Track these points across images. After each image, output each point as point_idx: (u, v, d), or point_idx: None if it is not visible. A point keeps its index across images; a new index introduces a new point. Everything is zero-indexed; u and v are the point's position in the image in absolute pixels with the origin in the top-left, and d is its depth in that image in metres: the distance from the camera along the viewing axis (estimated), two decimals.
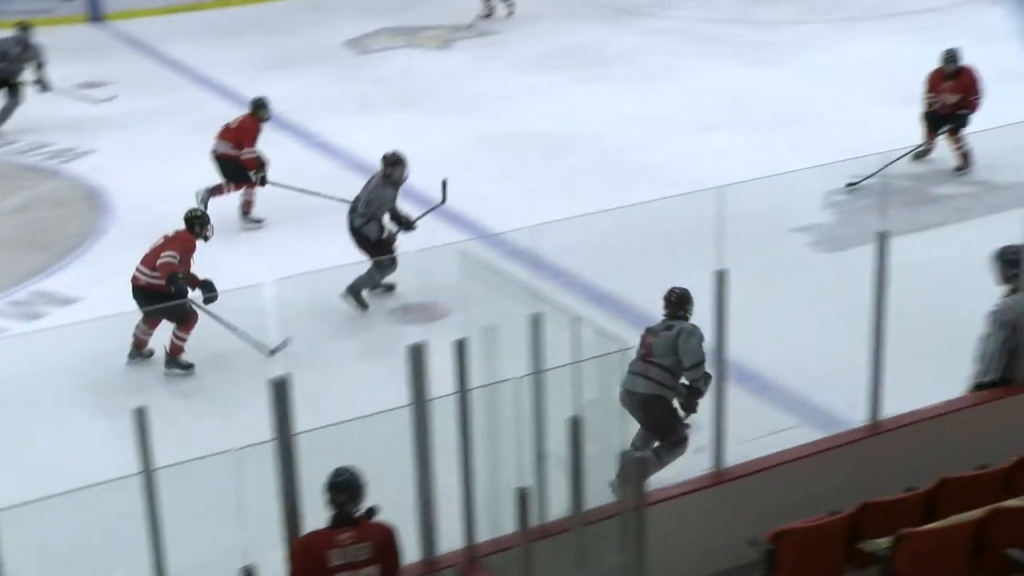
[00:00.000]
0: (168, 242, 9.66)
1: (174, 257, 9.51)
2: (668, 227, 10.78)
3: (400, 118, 15.59)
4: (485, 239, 11.08)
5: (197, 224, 9.85)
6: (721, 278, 6.61)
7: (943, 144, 12.95)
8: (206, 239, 9.89)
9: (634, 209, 9.36)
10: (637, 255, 10.62)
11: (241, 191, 12.42)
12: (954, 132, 12.84)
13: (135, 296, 9.57)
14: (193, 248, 9.74)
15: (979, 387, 7.46)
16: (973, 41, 17.33)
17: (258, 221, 12.48)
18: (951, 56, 13.02)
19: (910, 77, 16.14)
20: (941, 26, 18.34)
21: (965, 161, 12.85)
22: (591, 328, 6.10)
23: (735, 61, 17.74)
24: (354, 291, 10.37)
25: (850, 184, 11.95)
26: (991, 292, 7.64)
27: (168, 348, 9.60)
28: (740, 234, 6.79)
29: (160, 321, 9.57)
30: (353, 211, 10.58)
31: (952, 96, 12.88)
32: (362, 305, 10.42)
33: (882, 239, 7.09)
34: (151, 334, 9.72)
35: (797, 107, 15.48)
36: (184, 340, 9.55)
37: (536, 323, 5.98)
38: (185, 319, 9.46)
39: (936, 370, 7.97)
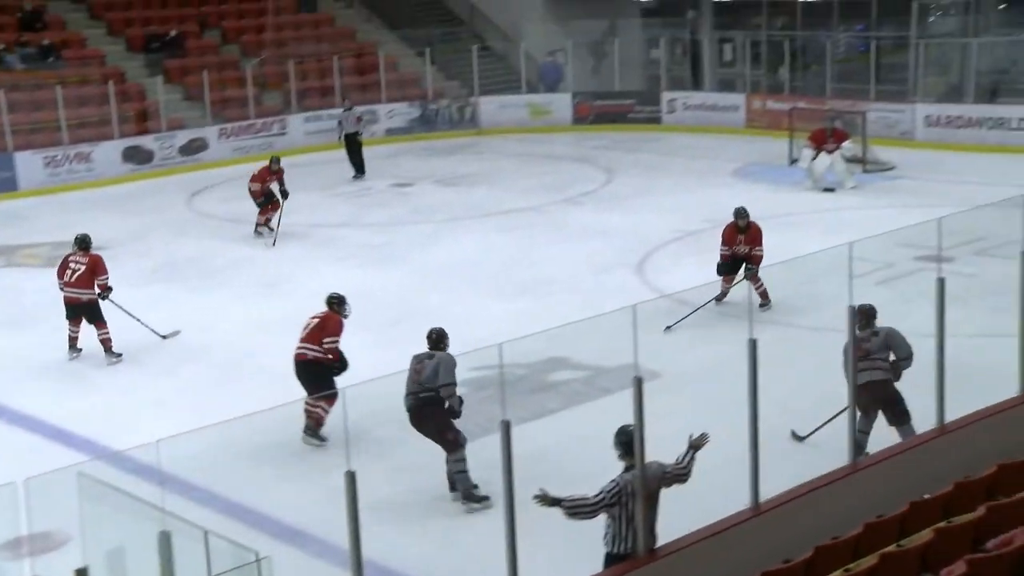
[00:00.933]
0: (325, 324, 11.63)
1: (337, 340, 11.54)
2: (295, 433, 10.64)
3: (10, 341, 14.78)
4: (106, 458, 10.49)
5: (336, 305, 11.91)
6: (351, 478, 6.52)
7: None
8: (346, 317, 11.87)
9: (262, 416, 9.16)
10: (270, 462, 10.36)
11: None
12: (753, 275, 14.31)
13: (299, 369, 11.45)
14: (342, 327, 11.69)
15: (611, 557, 7.70)
16: (560, 236, 18.59)
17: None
18: (742, 213, 14.87)
19: (513, 271, 17.03)
20: (534, 224, 19.53)
21: (766, 298, 14.45)
22: (224, 540, 5.85)
23: (350, 263, 18.04)
24: None
25: (668, 327, 13.74)
26: (614, 470, 7.95)
27: (313, 419, 11.14)
28: (366, 436, 6.77)
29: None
30: None
31: (745, 247, 14.71)
32: None
33: (506, 428, 7.24)
34: (317, 409, 11.16)
35: (411, 305, 15.83)
36: (328, 413, 11.13)
37: (165, 541, 5.66)
38: (335, 397, 10.79)
39: (570, 547, 8.16)
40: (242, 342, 14.61)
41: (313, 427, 11.15)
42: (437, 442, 10.18)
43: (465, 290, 16.42)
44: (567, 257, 17.62)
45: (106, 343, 13.97)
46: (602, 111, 29.30)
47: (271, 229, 19.61)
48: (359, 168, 24.72)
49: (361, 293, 16.32)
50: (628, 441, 7.89)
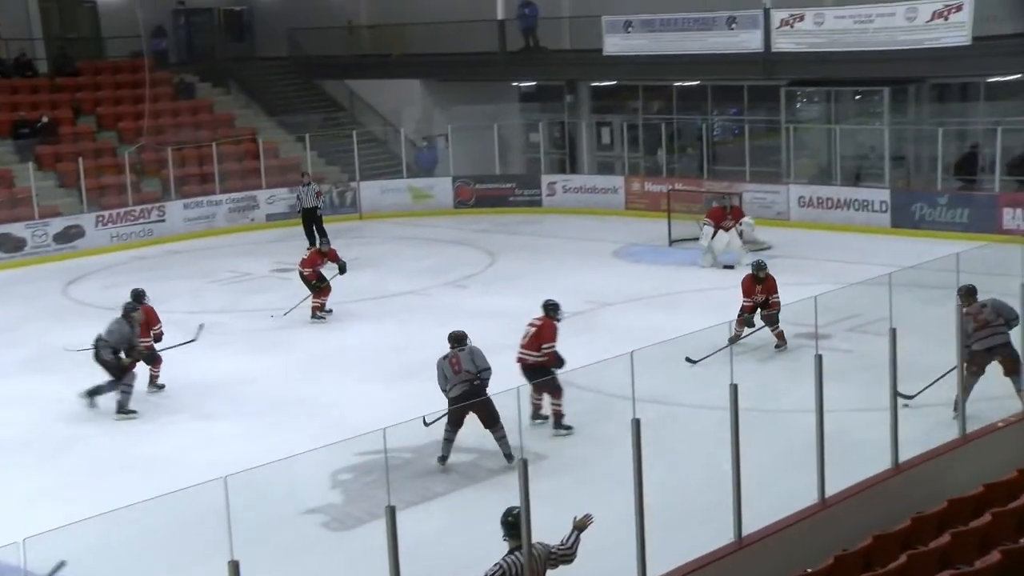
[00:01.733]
0: (541, 331, 13.45)
1: (553, 345, 13.44)
2: (175, 523, 10.35)
3: None
4: None
5: (551, 310, 13.77)
6: (235, 568, 6.37)
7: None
8: (559, 320, 13.74)
9: (136, 508, 8.90)
10: (146, 555, 10.07)
11: None
12: (773, 320, 16.19)
13: (525, 373, 13.33)
14: (556, 332, 13.53)
15: None
16: (444, 319, 18.57)
17: None
18: (761, 266, 16.75)
19: (398, 355, 16.95)
20: (418, 308, 19.52)
21: (782, 339, 16.15)
22: None
23: (229, 349, 17.77)
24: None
25: (690, 360, 14.59)
26: (501, 551, 7.90)
27: (553, 414, 13.32)
28: (252, 523, 6.63)
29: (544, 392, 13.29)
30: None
31: (762, 296, 16.42)
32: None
33: (391, 513, 7.16)
34: (541, 400, 13.47)
35: (295, 390, 15.66)
36: (561, 406, 13.33)
37: None
38: (561, 390, 13.24)
39: None
40: (119, 434, 14.25)
41: (556, 420, 13.32)
42: (485, 419, 12.22)
43: (350, 375, 16.29)
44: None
45: (154, 378, 15.86)
46: (483, 195, 29.54)
47: (328, 311, 19.41)
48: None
49: (242, 380, 16.16)
50: (514, 522, 7.88)
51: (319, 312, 19.30)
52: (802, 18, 25.97)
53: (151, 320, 15.97)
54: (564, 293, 19.76)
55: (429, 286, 21.35)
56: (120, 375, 14.88)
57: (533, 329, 13.53)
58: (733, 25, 26.91)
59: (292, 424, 14.07)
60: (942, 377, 11.95)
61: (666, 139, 29.40)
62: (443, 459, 12.54)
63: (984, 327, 12.32)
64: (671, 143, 29.89)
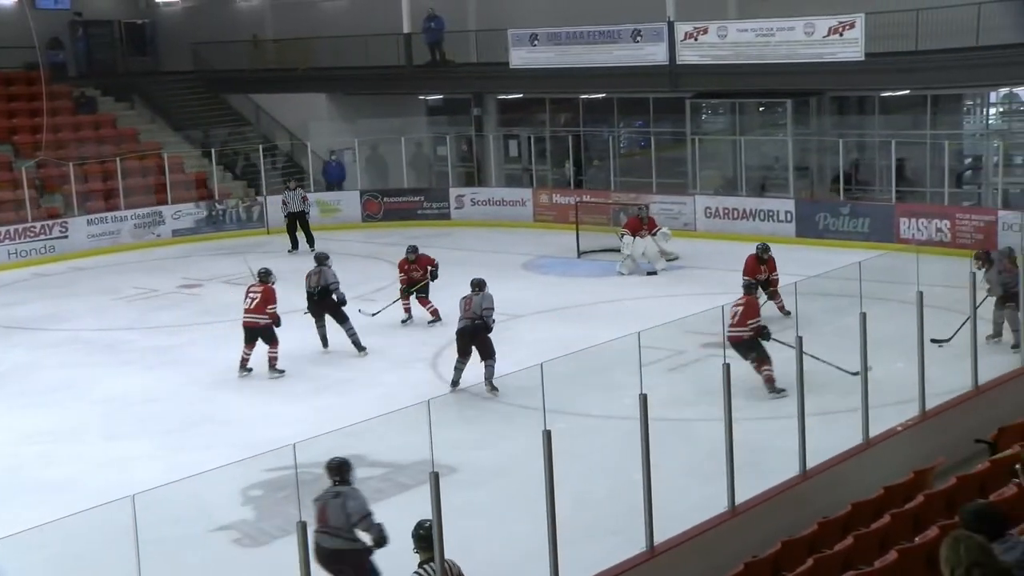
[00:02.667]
0: (749, 309, 14.40)
1: (759, 319, 14.47)
2: (82, 545, 10.18)
3: None
4: None
5: (751, 288, 15.23)
6: None
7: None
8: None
9: (39, 531, 8.73)
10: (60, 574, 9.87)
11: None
12: (775, 293, 17.87)
13: (738, 349, 13.96)
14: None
15: None
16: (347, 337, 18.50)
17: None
18: (765, 248, 18.38)
19: (310, 369, 16.83)
20: (328, 322, 19.35)
21: (784, 310, 17.64)
22: None
23: (136, 367, 17.52)
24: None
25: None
26: (413, 564, 7.89)
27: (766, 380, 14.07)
28: (160, 542, 6.54)
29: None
30: None
31: (764, 275, 17.86)
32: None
33: (303, 529, 7.13)
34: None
35: (203, 407, 15.47)
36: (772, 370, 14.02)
37: None
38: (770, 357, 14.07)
39: None
40: (14, 453, 13.94)
41: (770, 385, 13.96)
42: (481, 351, 14.97)
43: (260, 390, 16.13)
44: (364, 353, 17.52)
45: (272, 360, 16.62)
46: (391, 208, 29.46)
47: (432, 317, 18.93)
48: (311, 242, 25.89)
49: (149, 398, 15.94)
50: (426, 536, 7.89)
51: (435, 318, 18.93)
52: (706, 31, 26.35)
53: (269, 298, 16.70)
54: None
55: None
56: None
57: (740, 308, 14.49)
58: (638, 38, 27.20)
59: (200, 442, 13.89)
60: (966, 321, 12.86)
61: (573, 151, 29.59)
62: (454, 383, 15.09)
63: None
64: (578, 155, 30.09)
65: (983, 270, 15.61)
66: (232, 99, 34.15)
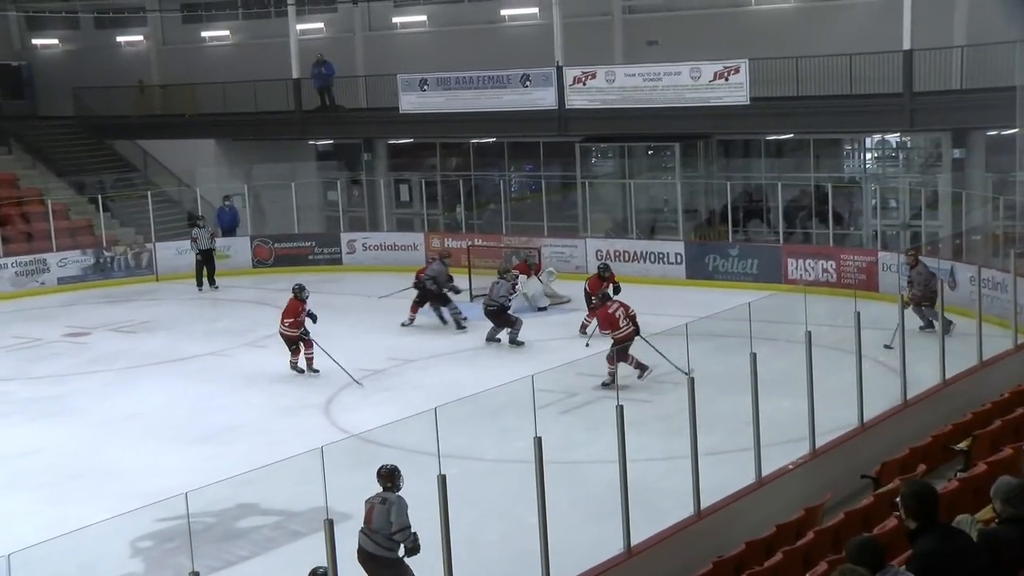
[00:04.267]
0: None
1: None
2: None
3: None
4: None
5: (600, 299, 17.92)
6: None
7: None
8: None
9: None
10: None
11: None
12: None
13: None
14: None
15: None
16: (244, 381, 18.30)
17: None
18: (606, 267, 21.04)
19: (198, 417, 16.54)
20: (216, 369, 19.12)
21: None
22: None
23: (15, 419, 17.04)
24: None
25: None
26: None
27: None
28: None
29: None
30: None
31: (607, 286, 19.79)
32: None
33: None
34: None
35: (88, 458, 15.08)
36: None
37: None
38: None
39: None
40: None
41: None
42: (502, 324, 19.63)
43: (148, 440, 15.78)
44: (252, 401, 17.31)
45: (308, 361, 18.30)
46: (282, 253, 29.20)
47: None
48: (212, 281, 26.68)
49: (30, 450, 15.48)
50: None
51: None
52: (594, 75, 26.70)
53: (287, 312, 18.26)
54: (366, 351, 19.76)
55: (227, 347, 20.92)
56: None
57: (620, 311, 17.15)
58: (527, 83, 27.46)
59: (84, 495, 13.52)
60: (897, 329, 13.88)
61: (464, 195, 29.68)
62: (490, 338, 19.69)
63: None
64: (469, 199, 30.18)
65: (910, 268, 18.49)
66: (118, 145, 33.61)
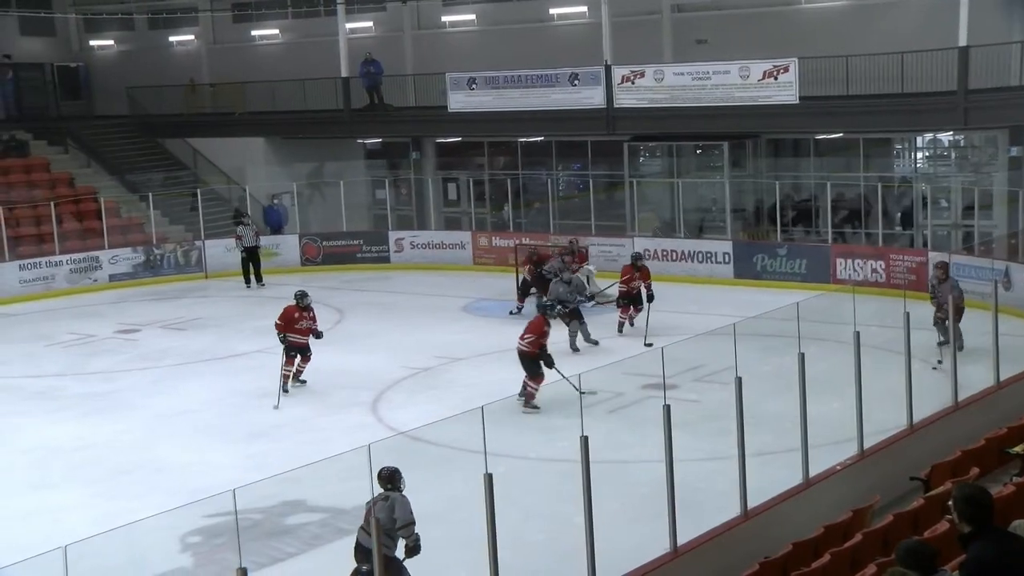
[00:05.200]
0: (530, 326, 16.41)
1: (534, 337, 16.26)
2: None
3: None
4: None
5: (548, 310, 17.38)
6: None
7: None
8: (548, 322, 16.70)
9: None
10: None
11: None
12: (641, 306, 20.21)
13: (520, 358, 16.28)
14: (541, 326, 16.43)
15: None
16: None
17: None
18: (638, 256, 21.07)
19: (246, 415, 16.65)
20: (265, 367, 19.17)
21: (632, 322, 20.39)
22: None
23: (67, 414, 17.23)
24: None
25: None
26: None
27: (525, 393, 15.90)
28: None
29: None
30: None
31: (639, 282, 20.32)
32: None
33: (244, 574, 7.04)
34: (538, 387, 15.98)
35: (138, 454, 15.23)
36: (536, 389, 15.87)
37: None
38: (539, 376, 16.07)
39: None
40: None
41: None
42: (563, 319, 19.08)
43: (197, 436, 15.92)
44: (301, 398, 17.40)
45: (298, 372, 17.77)
46: (330, 252, 29.35)
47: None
48: (259, 278, 26.84)
49: (83, 445, 15.66)
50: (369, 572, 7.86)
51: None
52: (643, 75, 26.61)
53: (289, 317, 17.67)
54: (413, 349, 19.82)
55: (276, 345, 20.97)
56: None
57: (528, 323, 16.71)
58: (575, 82, 27.41)
59: (135, 490, 13.67)
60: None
61: (512, 194, 29.68)
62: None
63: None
64: (517, 198, 30.19)
65: (939, 282, 17.55)
66: (168, 143, 33.92)
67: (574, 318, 19.45)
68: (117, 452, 15.35)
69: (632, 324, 20.64)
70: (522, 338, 16.41)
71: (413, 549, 9.61)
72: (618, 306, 20.71)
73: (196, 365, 19.72)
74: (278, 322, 17.80)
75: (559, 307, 18.88)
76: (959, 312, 16.19)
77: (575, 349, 19.22)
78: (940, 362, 16.18)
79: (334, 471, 11.96)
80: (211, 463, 14.43)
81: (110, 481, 14.15)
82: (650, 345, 18.81)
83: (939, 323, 17.41)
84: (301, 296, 17.95)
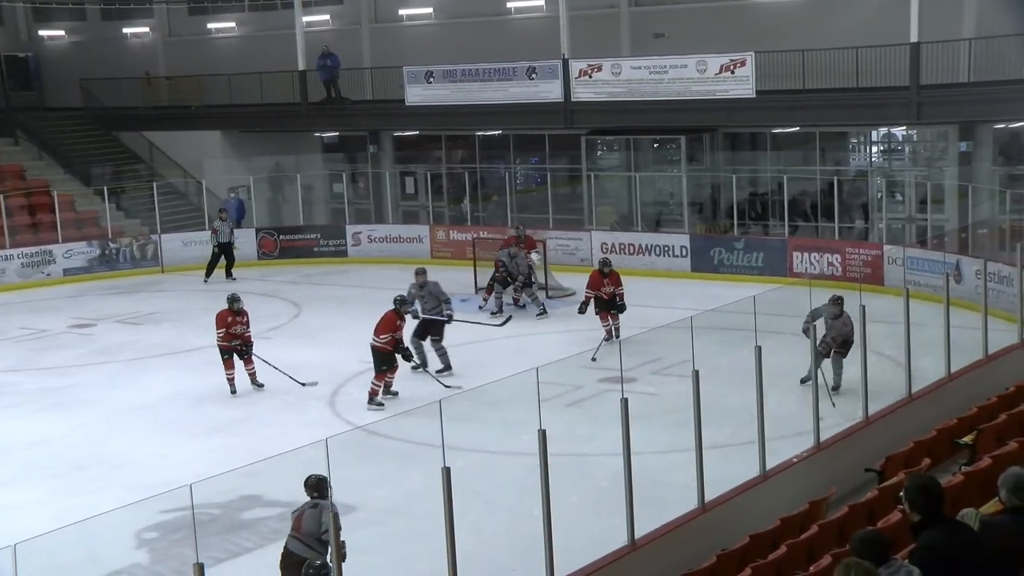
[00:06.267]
0: (383, 323, 16.25)
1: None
2: None
3: None
4: None
5: (398, 304, 16.51)
6: None
7: None
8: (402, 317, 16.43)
9: None
10: None
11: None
12: (617, 313, 19.01)
13: (373, 354, 16.24)
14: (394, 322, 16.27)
15: None
16: (242, 376, 18.27)
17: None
18: (605, 262, 19.62)
19: (203, 409, 16.57)
20: (219, 360, 19.07)
21: (612, 334, 18.87)
22: None
23: (21, 410, 17.08)
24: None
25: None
26: None
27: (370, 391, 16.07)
28: None
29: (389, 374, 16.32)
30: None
31: (610, 287, 19.08)
32: None
33: (200, 570, 7.00)
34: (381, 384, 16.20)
35: (94, 449, 15.12)
36: (379, 386, 16.16)
37: None
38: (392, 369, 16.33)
39: None
40: None
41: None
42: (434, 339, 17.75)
43: (154, 431, 15.82)
44: (258, 393, 17.32)
45: (252, 376, 17.41)
46: (288, 245, 29.21)
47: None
48: (229, 273, 26.74)
49: (37, 441, 15.52)
50: (315, 575, 7.87)
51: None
52: (600, 68, 26.67)
53: (223, 321, 17.23)
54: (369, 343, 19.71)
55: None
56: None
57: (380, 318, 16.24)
58: (533, 75, 27.44)
59: (90, 486, 13.57)
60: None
61: (470, 188, 29.68)
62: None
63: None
64: (475, 192, 30.18)
65: (833, 318, 15.15)
66: (124, 136, 33.64)
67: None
68: (74, 448, 15.24)
69: (617, 333, 18.90)
70: (377, 336, 16.28)
71: (342, 556, 8.75)
72: (596, 314, 19.17)
73: (153, 360, 19.58)
74: (220, 332, 17.21)
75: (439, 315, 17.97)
76: (846, 346, 15.01)
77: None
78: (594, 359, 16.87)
79: (292, 466, 11.93)
80: (169, 458, 14.35)
81: (65, 477, 14.05)
82: (594, 360, 17.18)
83: (834, 357, 15.26)
84: (232, 300, 17.43)
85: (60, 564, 9.72)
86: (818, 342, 14.02)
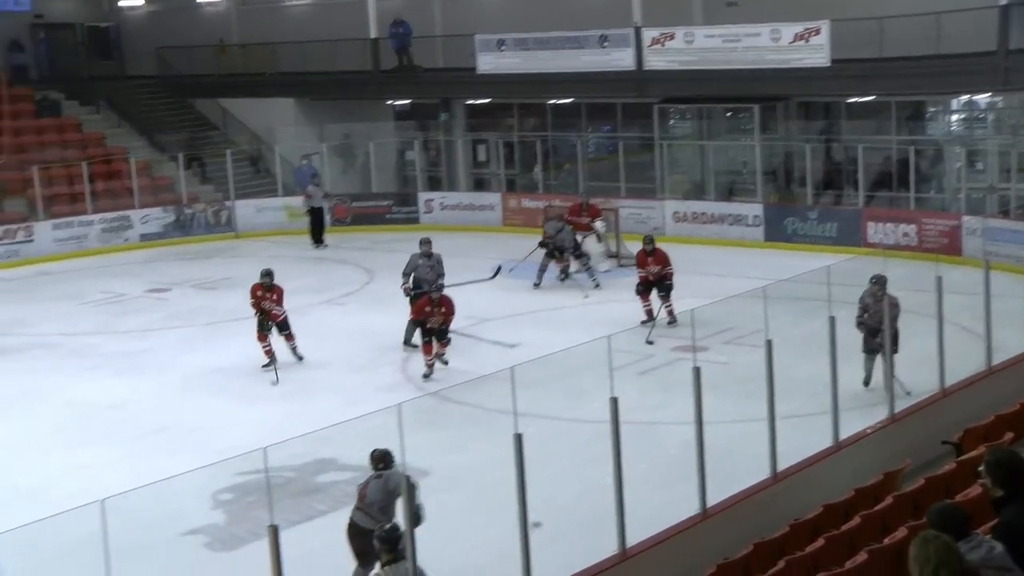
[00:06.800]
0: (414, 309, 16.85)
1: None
2: (50, 551, 10.11)
3: None
4: None
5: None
6: None
7: None
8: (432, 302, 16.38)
9: (8, 537, 8.66)
10: None
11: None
12: (666, 295, 17.86)
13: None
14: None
15: None
16: (324, 338, 18.45)
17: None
18: (649, 239, 18.34)
19: (272, 376, 16.73)
20: (296, 326, 19.19)
21: (673, 316, 17.79)
22: None
23: (101, 372, 17.41)
24: None
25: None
26: None
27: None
28: (130, 547, 6.50)
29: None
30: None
31: (655, 267, 17.97)
32: None
33: (274, 532, 7.10)
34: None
35: (172, 412, 15.40)
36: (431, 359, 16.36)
37: None
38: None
39: None
40: None
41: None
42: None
43: (228, 395, 16.06)
44: (332, 357, 17.49)
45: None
46: (360, 212, 29.39)
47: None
48: (321, 239, 27.00)
49: (115, 403, 15.83)
50: (387, 537, 7.95)
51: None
52: (672, 36, 26.43)
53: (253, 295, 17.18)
54: None
55: (306, 304, 21.10)
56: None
57: None
58: (605, 43, 27.26)
59: (168, 447, 13.82)
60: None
61: (541, 156, 29.63)
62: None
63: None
64: (546, 160, 30.13)
65: (875, 300, 13.95)
66: (198, 104, 33.99)
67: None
68: (151, 410, 15.52)
69: (654, 318, 18.10)
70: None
71: (416, 518, 8.61)
72: (637, 294, 18.55)
73: (227, 325, 19.83)
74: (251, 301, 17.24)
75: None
76: (894, 339, 13.21)
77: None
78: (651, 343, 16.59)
79: (364, 430, 12.04)
80: (243, 422, 14.55)
81: (144, 439, 14.31)
82: (651, 343, 17.05)
83: (871, 351, 14.20)
84: (264, 274, 17.27)
85: (142, 521, 9.90)
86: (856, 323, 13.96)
